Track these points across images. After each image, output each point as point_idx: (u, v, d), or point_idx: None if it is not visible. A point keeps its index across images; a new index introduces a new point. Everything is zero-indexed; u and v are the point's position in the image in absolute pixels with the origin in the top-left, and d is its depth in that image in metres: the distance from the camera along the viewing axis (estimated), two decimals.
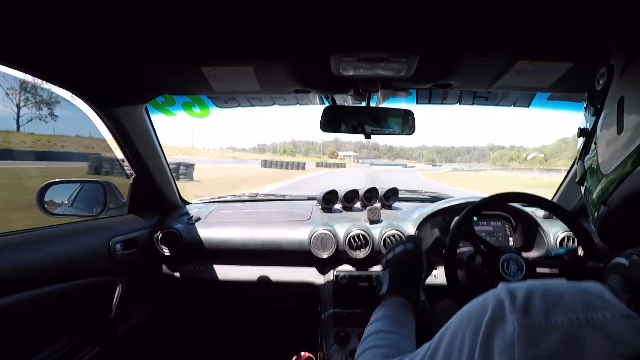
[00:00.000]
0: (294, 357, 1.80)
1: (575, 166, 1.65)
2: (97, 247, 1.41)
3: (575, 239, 1.48)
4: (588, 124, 0.62)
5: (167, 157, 1.78)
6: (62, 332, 1.25)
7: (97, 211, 1.62)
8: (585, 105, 0.63)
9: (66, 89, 1.22)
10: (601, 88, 0.57)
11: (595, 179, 0.59)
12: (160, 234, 1.73)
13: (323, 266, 1.75)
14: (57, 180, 1.60)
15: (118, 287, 1.40)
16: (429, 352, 0.51)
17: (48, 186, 1.52)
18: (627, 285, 0.42)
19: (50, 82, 1.16)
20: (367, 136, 1.39)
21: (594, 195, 0.59)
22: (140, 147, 1.58)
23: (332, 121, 1.39)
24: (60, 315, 1.23)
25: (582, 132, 0.64)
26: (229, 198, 2.38)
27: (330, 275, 1.72)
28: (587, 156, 0.62)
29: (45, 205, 1.50)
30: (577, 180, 0.68)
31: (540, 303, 0.42)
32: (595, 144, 0.59)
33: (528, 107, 1.61)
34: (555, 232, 1.66)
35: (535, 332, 0.40)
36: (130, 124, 1.49)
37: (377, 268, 1.72)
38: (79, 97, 1.29)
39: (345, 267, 1.72)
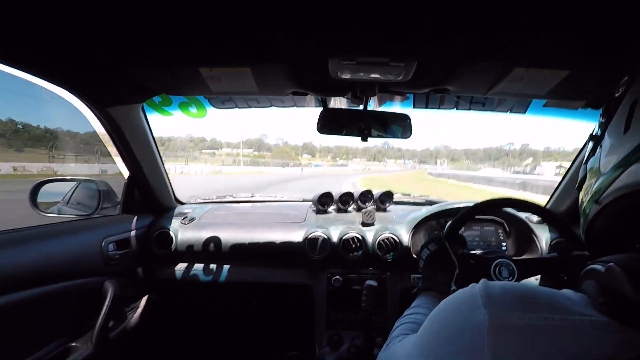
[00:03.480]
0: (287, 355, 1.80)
1: (569, 173, 1.68)
2: (90, 247, 1.39)
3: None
4: (600, 129, 0.62)
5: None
6: (55, 334, 1.23)
7: (91, 210, 1.60)
8: (601, 112, 0.63)
9: (62, 87, 1.21)
10: (620, 94, 0.57)
11: (593, 179, 0.59)
12: (154, 234, 1.72)
13: (317, 268, 1.74)
14: (51, 178, 1.58)
15: (111, 288, 1.38)
16: (421, 339, 0.56)
17: (41, 184, 1.51)
18: (601, 291, 0.43)
19: (47, 80, 1.15)
20: (364, 139, 1.39)
21: (589, 195, 0.60)
22: (135, 146, 1.57)
23: (329, 124, 1.38)
24: (52, 317, 1.22)
25: (592, 137, 0.65)
26: (223, 199, 2.38)
27: (324, 277, 1.72)
28: (591, 159, 0.63)
29: (38, 204, 1.49)
30: (576, 185, 0.68)
31: (517, 300, 0.44)
32: (601, 146, 0.59)
33: (524, 113, 1.62)
34: (548, 237, 1.66)
35: (506, 326, 0.42)
36: (126, 123, 1.48)
37: (371, 270, 1.72)
38: (75, 96, 1.27)
39: (339, 270, 1.72)
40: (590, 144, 0.65)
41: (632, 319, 0.39)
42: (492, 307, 0.44)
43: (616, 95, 0.58)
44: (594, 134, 0.65)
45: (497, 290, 0.47)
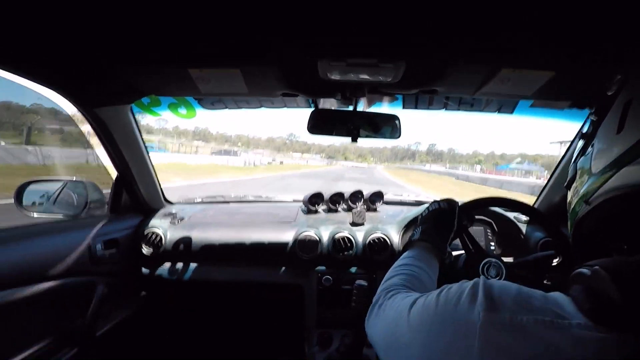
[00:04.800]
0: None
1: (556, 172, 1.70)
2: (77, 247, 1.38)
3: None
4: (591, 127, 0.62)
5: None
6: (40, 333, 1.22)
7: (78, 211, 1.58)
8: (594, 110, 0.63)
9: (50, 88, 1.20)
10: (613, 93, 0.57)
11: (584, 178, 0.59)
12: (143, 234, 1.71)
13: (307, 268, 1.75)
14: (36, 179, 1.56)
15: (98, 288, 1.37)
16: (421, 314, 0.55)
17: (26, 185, 1.48)
18: (588, 295, 0.43)
19: (35, 81, 1.14)
20: (354, 139, 1.40)
21: (579, 195, 0.60)
22: (123, 147, 1.55)
23: (319, 124, 1.39)
24: (38, 316, 1.20)
25: (583, 135, 0.65)
26: (213, 199, 2.37)
27: (314, 276, 1.72)
28: (581, 158, 0.63)
29: (24, 205, 1.46)
30: (565, 184, 0.68)
31: (510, 302, 0.45)
32: (592, 145, 0.60)
33: (511, 113, 1.64)
34: (536, 237, 1.67)
35: (498, 325, 0.43)
36: (115, 124, 1.46)
37: (361, 270, 1.72)
38: (63, 96, 1.26)
39: (330, 269, 1.72)
40: (581, 142, 0.65)
41: (618, 323, 0.39)
42: (488, 306, 0.45)
43: (609, 93, 0.58)
44: (584, 132, 0.64)
45: (496, 289, 0.47)
